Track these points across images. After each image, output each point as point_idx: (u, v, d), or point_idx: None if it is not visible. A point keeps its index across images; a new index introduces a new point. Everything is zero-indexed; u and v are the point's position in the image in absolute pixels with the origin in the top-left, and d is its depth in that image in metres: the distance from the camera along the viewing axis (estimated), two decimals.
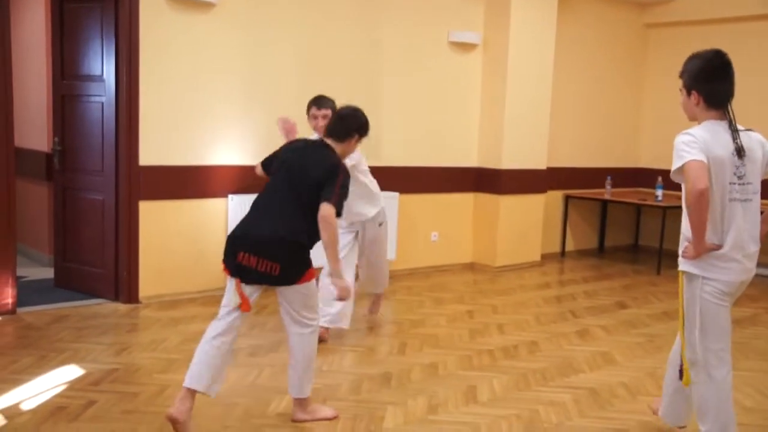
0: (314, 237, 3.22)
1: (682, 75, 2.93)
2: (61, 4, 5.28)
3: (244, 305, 3.16)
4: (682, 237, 2.94)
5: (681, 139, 2.79)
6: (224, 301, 3.22)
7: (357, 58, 6.16)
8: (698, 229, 2.74)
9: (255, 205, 3.29)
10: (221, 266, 3.25)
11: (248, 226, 3.21)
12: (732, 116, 2.86)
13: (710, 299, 2.87)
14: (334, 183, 3.17)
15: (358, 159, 4.35)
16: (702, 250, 2.79)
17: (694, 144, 2.75)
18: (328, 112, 4.23)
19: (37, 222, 6.47)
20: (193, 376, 3.11)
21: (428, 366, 4.22)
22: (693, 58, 2.90)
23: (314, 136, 4.21)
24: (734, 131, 2.83)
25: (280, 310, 3.30)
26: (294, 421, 3.34)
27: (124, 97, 5.03)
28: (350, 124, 3.44)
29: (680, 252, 2.93)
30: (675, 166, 2.78)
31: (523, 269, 7.21)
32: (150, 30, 5.05)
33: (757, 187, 2.89)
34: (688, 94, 2.90)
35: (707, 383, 2.93)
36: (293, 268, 3.15)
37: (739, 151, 2.80)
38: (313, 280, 3.27)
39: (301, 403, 3.36)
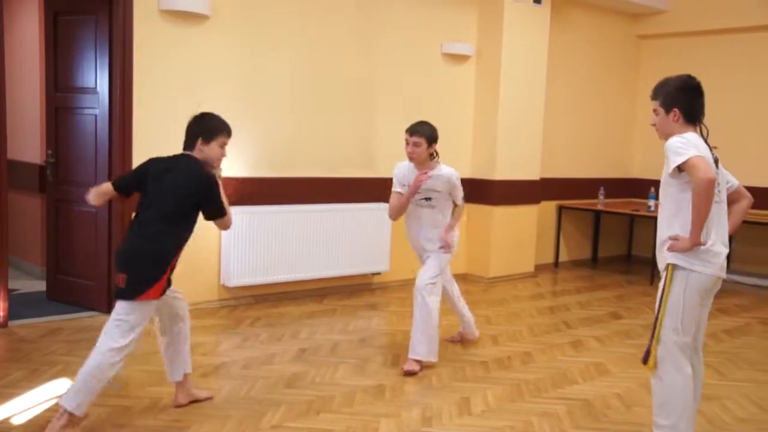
0: (172, 249, 3.34)
1: (656, 96, 3.10)
2: (55, 16, 5.29)
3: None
4: (660, 239, 3.08)
5: (676, 140, 2.95)
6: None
7: (351, 70, 6.18)
8: (701, 218, 2.89)
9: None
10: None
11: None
12: (705, 132, 3.09)
13: (693, 294, 3.01)
14: (215, 198, 3.39)
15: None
16: (697, 240, 2.93)
17: (689, 144, 2.92)
18: (418, 139, 4.24)
19: (30, 234, 6.45)
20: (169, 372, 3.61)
21: (422, 377, 4.21)
22: (667, 81, 3.10)
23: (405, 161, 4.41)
24: (708, 145, 3.05)
25: None
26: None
27: (117, 110, 5.03)
28: (192, 130, 3.58)
29: (664, 249, 3.05)
30: (675, 163, 2.90)
31: (516, 280, 7.22)
32: (144, 42, 5.06)
33: (725, 197, 3.11)
34: (667, 111, 3.07)
35: (675, 375, 3.04)
36: (138, 281, 3.22)
37: (716, 161, 3.04)
38: (152, 302, 3.26)
39: None
